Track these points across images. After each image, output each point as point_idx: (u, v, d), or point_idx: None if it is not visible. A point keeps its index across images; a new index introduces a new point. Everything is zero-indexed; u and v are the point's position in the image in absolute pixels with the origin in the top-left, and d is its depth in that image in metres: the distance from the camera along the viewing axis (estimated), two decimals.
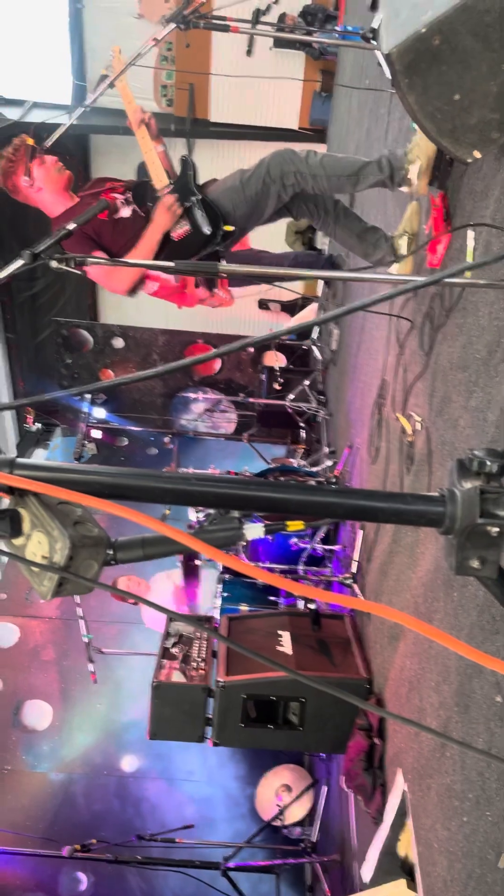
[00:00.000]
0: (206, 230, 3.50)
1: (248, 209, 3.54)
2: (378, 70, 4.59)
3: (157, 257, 3.49)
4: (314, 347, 8.17)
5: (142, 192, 3.59)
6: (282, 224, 8.89)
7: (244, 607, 5.30)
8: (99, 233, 3.53)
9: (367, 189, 3.50)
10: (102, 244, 3.53)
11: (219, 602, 5.42)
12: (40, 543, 1.04)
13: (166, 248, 3.51)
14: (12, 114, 8.80)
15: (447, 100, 2.04)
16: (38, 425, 9.07)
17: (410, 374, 3.59)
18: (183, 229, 3.49)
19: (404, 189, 3.34)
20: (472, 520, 1.03)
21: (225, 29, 4.20)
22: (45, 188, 3.59)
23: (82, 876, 6.27)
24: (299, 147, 3.51)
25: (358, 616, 4.58)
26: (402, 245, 3.60)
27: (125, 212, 3.59)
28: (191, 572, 6.34)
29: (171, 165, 3.62)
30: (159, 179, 3.49)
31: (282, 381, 7.78)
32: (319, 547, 5.40)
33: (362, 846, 3.78)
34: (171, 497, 1.11)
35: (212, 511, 1.17)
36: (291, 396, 7.41)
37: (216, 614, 5.31)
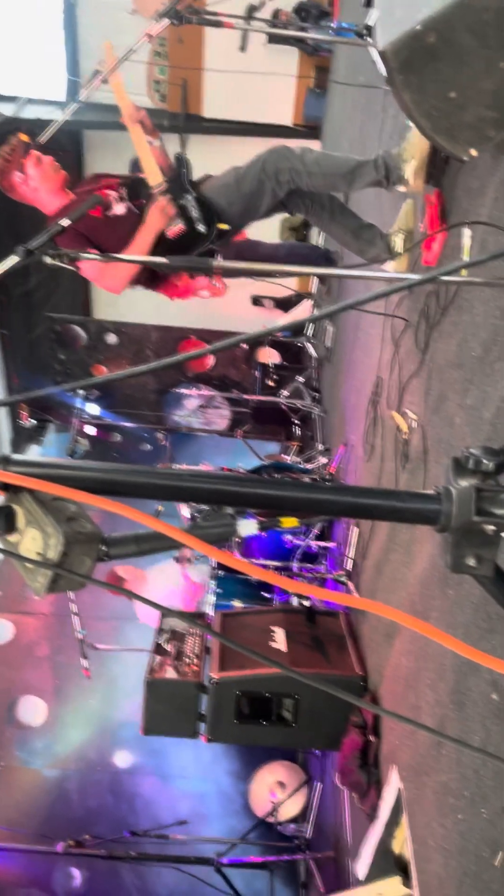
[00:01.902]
0: (201, 228, 3.49)
1: (244, 206, 3.52)
2: (373, 67, 4.59)
3: (152, 255, 3.47)
4: (308, 344, 8.17)
5: (136, 188, 3.58)
6: (275, 219, 8.88)
7: (238, 603, 5.30)
8: (92, 230, 3.50)
9: (363, 189, 3.50)
10: (96, 242, 3.50)
11: (212, 598, 5.42)
12: (34, 540, 1.04)
13: (161, 245, 3.49)
14: (6, 109, 8.77)
15: (443, 97, 2.03)
16: (32, 421, 9.05)
17: (406, 372, 3.59)
18: (178, 227, 3.47)
19: (401, 189, 3.33)
20: (468, 518, 1.03)
21: (218, 24, 4.19)
22: (41, 188, 3.57)
23: (76, 872, 6.28)
24: (294, 143, 3.50)
25: (353, 613, 4.58)
26: (398, 243, 3.59)
27: (119, 208, 3.57)
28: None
29: (167, 160, 3.60)
30: (153, 177, 3.47)
31: (276, 377, 7.78)
32: (314, 544, 5.40)
33: (356, 843, 3.78)
34: (165, 493, 1.11)
35: (205, 507, 1.16)
36: (285, 393, 7.41)
37: (209, 610, 5.31)
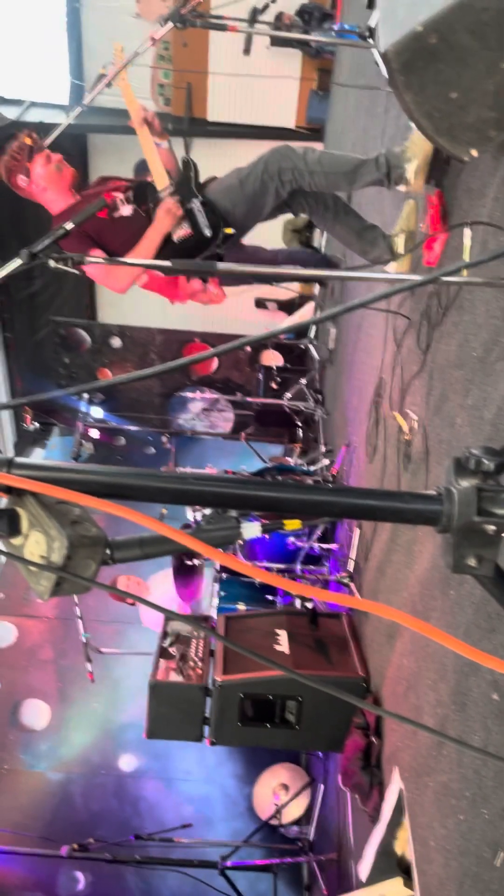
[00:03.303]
0: (207, 233, 3.50)
1: (247, 207, 3.53)
2: (375, 68, 4.60)
3: (157, 258, 3.48)
4: (311, 346, 8.18)
5: (143, 191, 3.59)
6: (278, 221, 8.89)
7: (241, 606, 5.30)
8: (98, 231, 3.51)
9: (365, 188, 3.50)
10: (102, 243, 3.51)
11: (216, 601, 5.42)
12: (38, 543, 1.04)
13: (166, 248, 3.50)
14: (10, 113, 8.78)
15: (444, 98, 2.04)
16: (36, 425, 9.06)
17: (407, 373, 3.59)
18: (184, 231, 3.48)
19: (401, 188, 3.34)
20: (469, 518, 1.03)
21: (222, 28, 4.20)
22: (49, 187, 3.58)
23: (80, 875, 6.28)
24: (297, 145, 3.51)
25: (355, 615, 4.58)
26: (399, 243, 3.60)
27: (125, 210, 3.58)
28: (187, 572, 6.34)
29: (175, 163, 3.61)
30: (161, 180, 3.48)
31: (279, 380, 7.79)
32: (316, 546, 5.40)
33: (359, 844, 3.78)
34: (169, 496, 1.11)
35: (209, 510, 1.17)
36: (289, 395, 7.41)
37: (213, 613, 5.31)
